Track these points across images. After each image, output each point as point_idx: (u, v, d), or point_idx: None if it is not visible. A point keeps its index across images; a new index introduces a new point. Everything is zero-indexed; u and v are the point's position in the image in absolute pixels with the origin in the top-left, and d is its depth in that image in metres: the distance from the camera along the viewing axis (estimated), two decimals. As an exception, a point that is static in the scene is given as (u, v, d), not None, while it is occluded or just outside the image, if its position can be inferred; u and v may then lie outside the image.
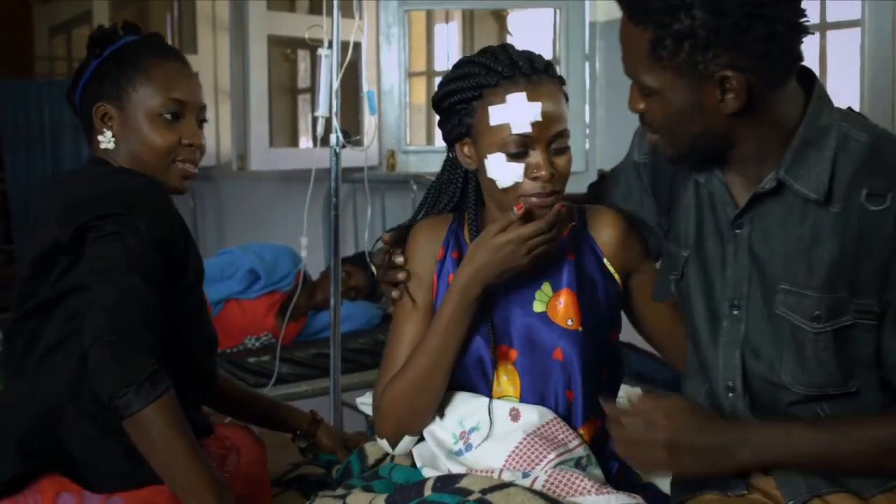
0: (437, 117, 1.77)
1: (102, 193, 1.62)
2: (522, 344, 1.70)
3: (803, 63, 1.49)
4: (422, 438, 1.75)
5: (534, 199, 1.61)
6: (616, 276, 1.74)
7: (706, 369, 1.63)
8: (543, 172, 1.59)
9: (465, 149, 1.69)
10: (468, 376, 1.72)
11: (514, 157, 1.60)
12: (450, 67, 1.75)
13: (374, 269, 3.41)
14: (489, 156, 1.62)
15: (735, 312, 1.56)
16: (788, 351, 1.52)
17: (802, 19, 1.39)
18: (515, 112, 1.59)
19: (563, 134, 1.62)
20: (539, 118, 1.58)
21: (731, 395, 1.58)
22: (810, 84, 1.50)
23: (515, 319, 1.71)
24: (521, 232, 1.59)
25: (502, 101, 1.60)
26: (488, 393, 1.70)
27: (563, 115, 1.63)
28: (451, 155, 1.77)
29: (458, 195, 1.79)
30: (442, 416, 1.72)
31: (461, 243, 1.76)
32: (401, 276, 1.75)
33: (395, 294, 1.76)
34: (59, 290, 1.62)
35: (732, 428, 1.52)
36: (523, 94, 1.59)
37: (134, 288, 1.53)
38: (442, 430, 1.71)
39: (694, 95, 1.42)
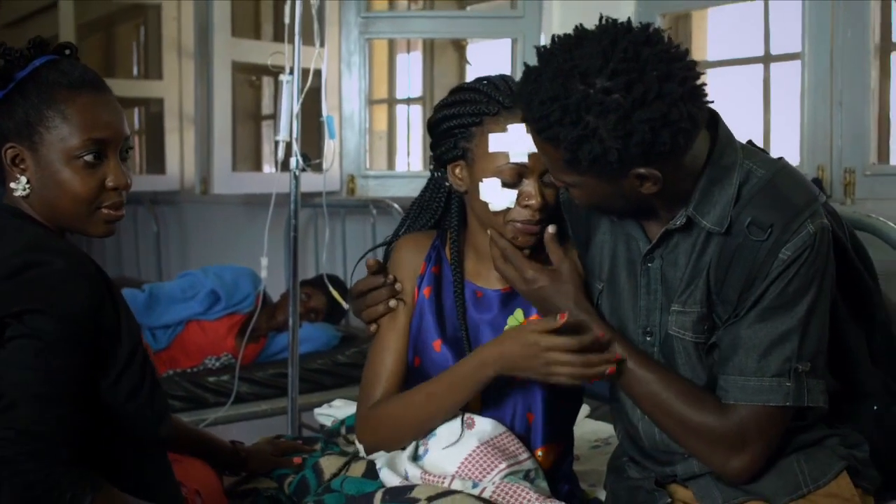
0: (431, 138, 1.81)
1: (18, 281, 1.45)
2: None
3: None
4: None
5: (519, 225, 1.66)
6: None
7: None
8: (534, 201, 1.65)
9: (458, 171, 1.73)
10: None
11: (508, 184, 1.65)
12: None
13: (340, 299, 3.48)
14: (485, 180, 1.66)
15: (648, 339, 1.65)
16: (684, 367, 1.61)
17: (704, 104, 1.46)
18: (515, 141, 1.64)
19: None
20: (535, 149, 1.60)
21: (646, 418, 1.66)
22: (715, 124, 1.58)
23: (486, 338, 1.75)
24: (555, 342, 1.58)
25: (503, 129, 1.65)
26: None
27: None
28: (436, 175, 1.81)
29: (439, 213, 1.84)
30: None
31: (442, 259, 1.82)
32: (397, 286, 1.79)
33: (392, 304, 1.78)
34: None
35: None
36: (523, 126, 1.60)
37: (48, 401, 1.42)
38: None
39: (613, 187, 1.50)
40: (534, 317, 1.74)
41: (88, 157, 1.54)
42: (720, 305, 1.56)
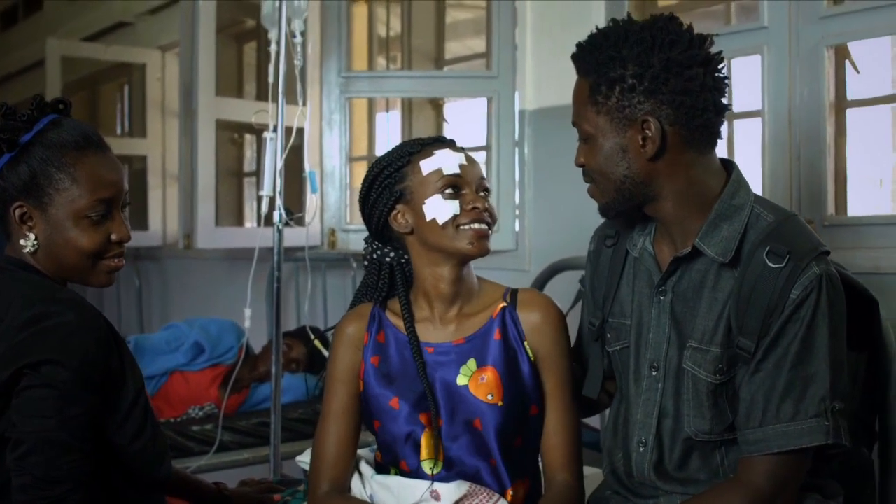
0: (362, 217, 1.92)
1: (31, 333, 1.51)
2: (446, 413, 1.80)
3: (726, 158, 1.74)
4: None
5: (472, 226, 1.78)
6: (531, 356, 1.83)
7: (626, 425, 1.79)
8: (479, 205, 1.78)
9: (399, 216, 1.83)
10: (399, 447, 1.81)
11: (448, 195, 1.78)
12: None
13: (323, 350, 3.55)
14: (427, 200, 1.79)
15: (654, 373, 1.73)
16: (689, 404, 1.69)
17: (716, 84, 1.64)
18: (444, 159, 1.80)
19: (486, 182, 1.83)
20: (465, 162, 1.80)
21: (641, 449, 1.74)
22: (731, 168, 1.73)
23: (440, 391, 1.81)
24: None
25: (431, 155, 1.81)
26: (417, 459, 1.80)
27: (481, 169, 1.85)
28: (374, 256, 1.91)
29: (385, 290, 1.91)
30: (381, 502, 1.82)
31: (384, 324, 1.88)
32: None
33: None
34: None
35: None
36: (449, 149, 1.82)
37: (62, 448, 1.49)
38: None
39: (620, 139, 1.66)
40: (487, 368, 1.80)
41: (95, 216, 1.62)
42: (744, 338, 1.61)
